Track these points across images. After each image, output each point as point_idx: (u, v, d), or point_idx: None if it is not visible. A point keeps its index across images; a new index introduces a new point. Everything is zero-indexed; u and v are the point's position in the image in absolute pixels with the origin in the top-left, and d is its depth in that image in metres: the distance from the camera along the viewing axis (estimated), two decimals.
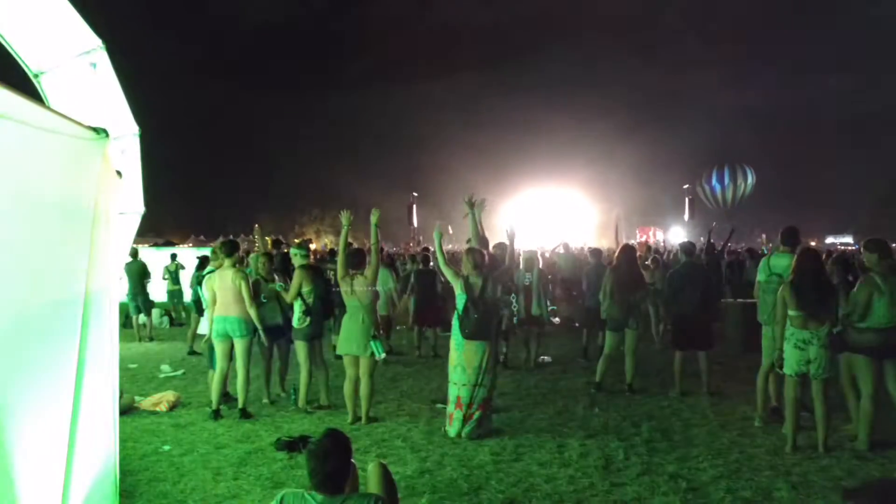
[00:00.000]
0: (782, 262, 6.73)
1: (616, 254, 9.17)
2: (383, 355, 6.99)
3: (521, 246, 10.43)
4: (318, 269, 8.16)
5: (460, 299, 6.60)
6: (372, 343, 6.84)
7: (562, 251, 14.87)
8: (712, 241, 14.34)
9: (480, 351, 6.50)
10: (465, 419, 6.46)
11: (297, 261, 7.77)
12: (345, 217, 7.18)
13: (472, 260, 6.69)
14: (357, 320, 6.91)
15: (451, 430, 6.51)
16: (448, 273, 6.76)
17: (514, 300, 9.74)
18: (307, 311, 7.42)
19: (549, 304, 10.46)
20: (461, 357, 6.53)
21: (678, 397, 7.92)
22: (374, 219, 7.07)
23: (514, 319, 9.80)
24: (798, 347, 5.88)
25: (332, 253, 8.85)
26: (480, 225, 7.40)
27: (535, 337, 10.14)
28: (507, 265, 7.30)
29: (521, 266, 9.94)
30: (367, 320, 6.90)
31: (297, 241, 14.60)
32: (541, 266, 10.35)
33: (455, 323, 6.63)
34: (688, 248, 8.75)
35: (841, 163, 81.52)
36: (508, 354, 10.09)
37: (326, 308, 7.95)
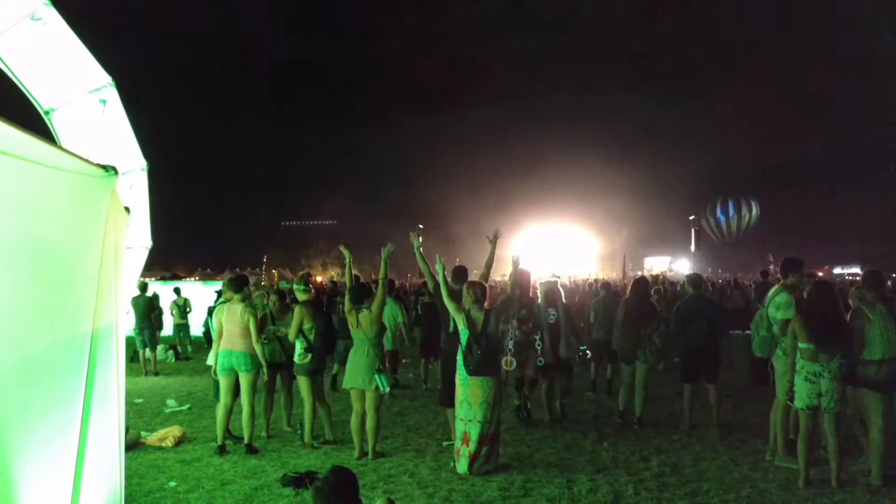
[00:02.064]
0: (769, 292, 6.96)
1: (629, 286, 9.21)
2: (388, 389, 6.95)
3: (537, 277, 9.36)
4: (318, 305, 8.15)
5: (463, 335, 6.54)
6: (377, 377, 6.81)
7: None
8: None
9: (486, 386, 6.43)
10: (473, 456, 6.37)
11: (300, 297, 7.75)
12: (346, 252, 7.37)
13: (472, 294, 6.63)
14: (363, 353, 6.89)
15: (459, 466, 6.44)
16: (451, 307, 6.69)
17: (537, 341, 8.26)
18: (308, 348, 7.38)
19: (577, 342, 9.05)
20: (467, 393, 6.47)
21: (688, 431, 7.84)
22: (385, 254, 7.10)
23: (540, 362, 8.33)
24: (809, 380, 5.83)
25: (336, 285, 8.75)
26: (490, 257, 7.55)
27: (559, 385, 8.81)
28: (509, 295, 7.27)
29: (541, 301, 8.72)
30: (371, 353, 6.88)
31: (300, 273, 14.61)
32: (563, 300, 9.07)
33: (459, 359, 6.57)
34: (695, 280, 8.75)
35: (849, 193, 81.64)
36: (531, 409, 8.57)
37: (328, 343, 7.91)
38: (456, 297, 6.77)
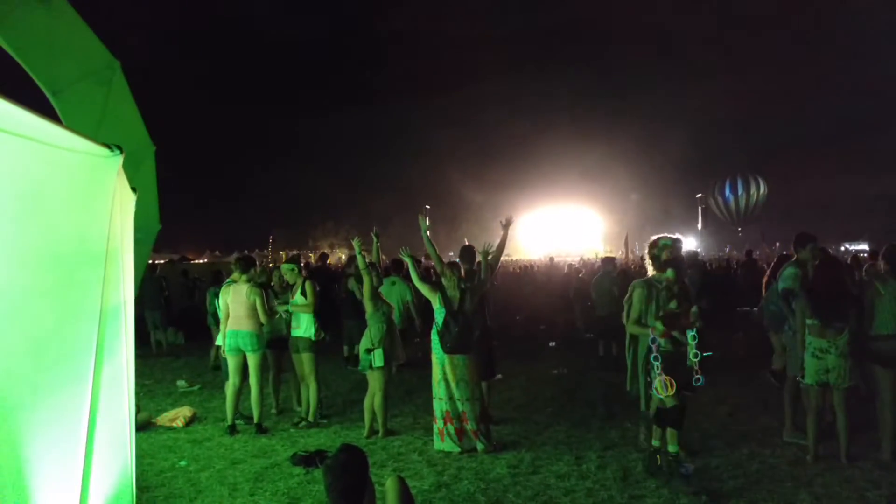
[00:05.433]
0: (782, 268, 6.92)
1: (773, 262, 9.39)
2: (381, 365, 6.89)
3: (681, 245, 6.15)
4: (323, 283, 8.16)
5: (439, 314, 6.58)
6: (372, 354, 6.89)
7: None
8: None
9: (462, 364, 6.49)
10: (459, 432, 6.43)
11: (288, 277, 7.66)
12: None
13: (453, 273, 6.68)
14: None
15: (445, 445, 6.46)
16: (423, 288, 6.74)
17: (693, 341, 5.42)
18: (323, 325, 7.43)
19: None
20: (444, 371, 6.52)
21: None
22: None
23: (698, 381, 5.39)
24: (816, 356, 5.80)
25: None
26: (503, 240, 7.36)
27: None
28: (483, 278, 6.89)
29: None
30: (367, 332, 7.06)
31: (292, 254, 14.57)
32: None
33: (434, 338, 6.61)
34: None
35: (854, 169, 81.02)
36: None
37: (324, 321, 7.89)
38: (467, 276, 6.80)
